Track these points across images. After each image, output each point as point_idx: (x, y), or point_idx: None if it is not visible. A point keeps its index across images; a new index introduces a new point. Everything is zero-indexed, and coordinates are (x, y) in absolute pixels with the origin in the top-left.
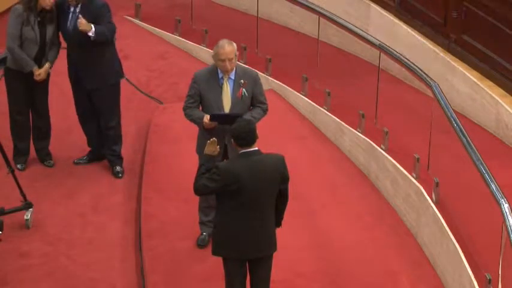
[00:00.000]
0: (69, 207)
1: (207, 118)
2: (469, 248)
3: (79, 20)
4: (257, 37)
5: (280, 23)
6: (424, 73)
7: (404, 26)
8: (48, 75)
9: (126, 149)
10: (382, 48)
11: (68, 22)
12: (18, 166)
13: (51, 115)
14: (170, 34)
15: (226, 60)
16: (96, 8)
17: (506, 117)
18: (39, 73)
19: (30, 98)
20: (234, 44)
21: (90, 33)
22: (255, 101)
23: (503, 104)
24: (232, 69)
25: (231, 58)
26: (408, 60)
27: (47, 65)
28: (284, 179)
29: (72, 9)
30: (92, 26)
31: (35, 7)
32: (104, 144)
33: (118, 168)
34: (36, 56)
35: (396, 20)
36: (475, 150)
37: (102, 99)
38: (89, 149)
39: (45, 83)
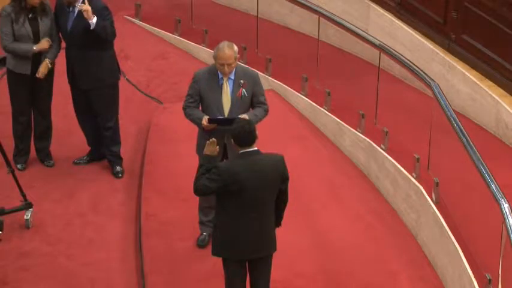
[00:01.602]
0: (69, 207)
1: (205, 120)
2: (469, 248)
3: (84, 6)
4: (257, 37)
5: (280, 23)
6: (424, 73)
7: (404, 26)
8: (51, 75)
9: (126, 149)
10: (382, 48)
11: (67, 22)
12: (18, 166)
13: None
14: (170, 34)
15: (225, 65)
16: (96, 9)
17: (506, 117)
18: (40, 72)
19: (32, 98)
20: (235, 47)
21: (90, 21)
22: (255, 101)
23: (503, 104)
24: (230, 73)
25: (230, 63)
26: (408, 60)
27: (46, 61)
28: (284, 178)
29: (71, 9)
30: (95, 17)
31: (25, 6)
32: (102, 144)
33: (118, 168)
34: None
35: (396, 20)
36: (475, 150)
37: (99, 99)
38: (88, 149)
39: (47, 83)
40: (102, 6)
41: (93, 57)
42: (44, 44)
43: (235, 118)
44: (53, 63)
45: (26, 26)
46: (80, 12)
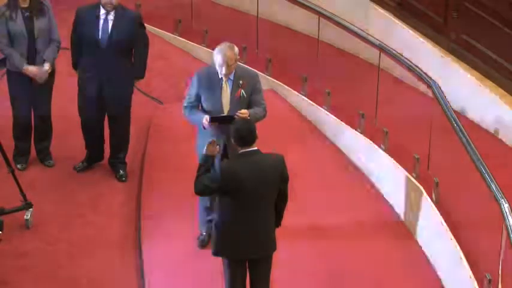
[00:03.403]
0: (69, 207)
1: (206, 120)
2: (469, 248)
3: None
4: (257, 37)
5: (280, 23)
6: (424, 73)
7: (404, 26)
8: (52, 76)
9: None
10: (382, 48)
11: (100, 29)
12: (19, 166)
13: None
14: (170, 34)
15: (225, 66)
16: (130, 18)
17: (506, 117)
18: (35, 75)
19: (32, 99)
20: (236, 49)
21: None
22: (253, 100)
23: (503, 104)
24: (230, 74)
25: (230, 64)
26: (408, 60)
27: (46, 67)
28: (284, 178)
29: (103, 16)
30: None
31: (16, 5)
32: (102, 149)
33: (122, 172)
34: (28, 50)
35: (396, 20)
36: (475, 150)
37: (120, 107)
38: (84, 153)
39: (48, 84)
40: (137, 15)
41: (122, 64)
42: (34, 71)
43: (235, 114)
44: (53, 65)
45: (20, 24)
46: (115, 21)
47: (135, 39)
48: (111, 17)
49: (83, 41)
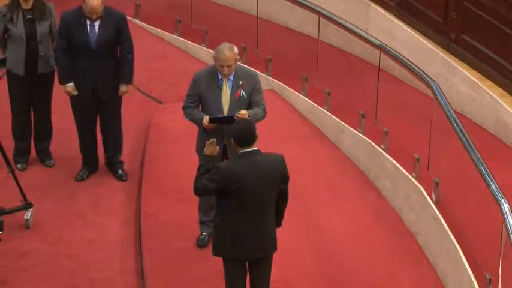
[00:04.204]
0: (69, 207)
1: (206, 120)
2: (469, 248)
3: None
4: (257, 37)
5: (280, 23)
6: (424, 73)
7: (404, 26)
8: (52, 77)
9: (126, 149)
10: (382, 48)
11: (88, 32)
12: (19, 166)
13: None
14: (170, 34)
15: (225, 67)
16: (116, 20)
17: (506, 117)
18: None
19: (31, 99)
20: (235, 49)
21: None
22: (253, 100)
23: (503, 104)
24: (230, 74)
25: (229, 65)
26: (408, 60)
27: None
28: (284, 178)
29: (89, 22)
30: (126, 86)
31: (18, 6)
32: (97, 155)
33: (121, 171)
34: (27, 53)
35: (396, 20)
36: (475, 150)
37: (113, 108)
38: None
39: (47, 84)
40: (121, 16)
41: (112, 66)
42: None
43: (235, 115)
44: (53, 66)
45: (20, 27)
46: (101, 25)
47: (122, 38)
48: (97, 22)
49: (71, 45)
